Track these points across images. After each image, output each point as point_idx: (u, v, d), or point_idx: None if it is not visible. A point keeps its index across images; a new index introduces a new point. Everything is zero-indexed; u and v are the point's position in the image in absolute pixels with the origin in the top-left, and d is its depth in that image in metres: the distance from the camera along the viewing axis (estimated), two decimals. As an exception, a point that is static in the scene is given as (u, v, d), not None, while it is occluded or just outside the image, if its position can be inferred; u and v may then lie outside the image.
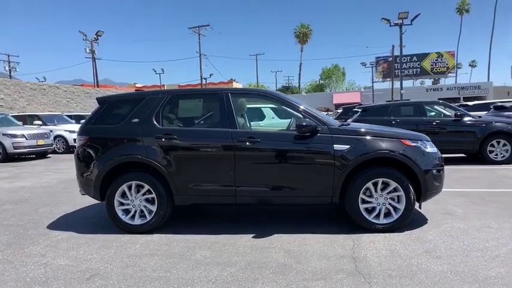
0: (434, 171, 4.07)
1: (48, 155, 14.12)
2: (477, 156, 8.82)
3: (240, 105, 4.35)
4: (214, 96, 4.41)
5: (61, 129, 15.12)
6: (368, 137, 4.07)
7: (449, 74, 58.12)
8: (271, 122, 6.51)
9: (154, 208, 4.23)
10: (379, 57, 60.06)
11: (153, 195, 4.21)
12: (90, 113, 4.76)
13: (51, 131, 14.41)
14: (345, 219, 4.42)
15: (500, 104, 13.43)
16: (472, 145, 8.58)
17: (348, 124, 4.31)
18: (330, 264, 3.27)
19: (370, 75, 56.64)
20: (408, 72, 57.04)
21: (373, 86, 53.64)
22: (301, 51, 64.31)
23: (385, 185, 4.03)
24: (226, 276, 3.09)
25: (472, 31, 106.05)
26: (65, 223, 4.81)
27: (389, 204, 4.05)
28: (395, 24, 25.29)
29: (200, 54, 41.58)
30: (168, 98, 4.40)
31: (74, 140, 14.44)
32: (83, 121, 5.04)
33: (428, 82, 62.85)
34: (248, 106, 4.77)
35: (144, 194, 4.26)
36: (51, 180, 8.31)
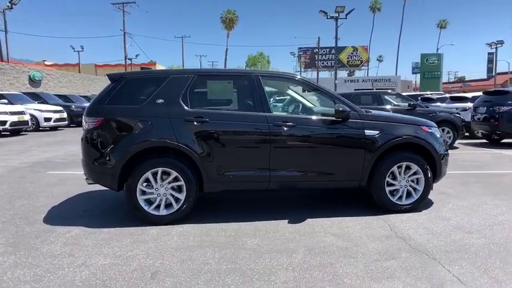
0: (445, 155, 4.48)
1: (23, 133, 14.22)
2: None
3: (271, 88, 4.22)
4: (244, 78, 4.20)
5: (31, 108, 15.01)
6: (394, 123, 4.29)
7: (363, 67, 63.22)
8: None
9: (182, 196, 3.91)
10: (301, 48, 62.79)
11: (181, 182, 3.89)
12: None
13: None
14: (360, 201, 4.64)
15: (427, 96, 15.12)
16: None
17: (370, 111, 4.48)
18: (385, 244, 3.41)
19: (294, 65, 58.98)
20: (327, 63, 60.73)
21: (300, 74, 55.86)
22: (228, 37, 63.87)
23: (407, 168, 4.31)
24: (300, 262, 3.04)
25: (382, 28, 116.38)
26: (62, 217, 4.19)
27: (410, 186, 4.35)
28: (332, 17, 26.61)
29: (124, 33, 38.64)
30: (195, 78, 4.06)
31: (45, 119, 15.14)
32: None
33: (342, 74, 67.51)
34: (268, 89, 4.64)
35: (170, 182, 3.91)
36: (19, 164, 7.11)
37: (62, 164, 7.66)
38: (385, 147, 4.17)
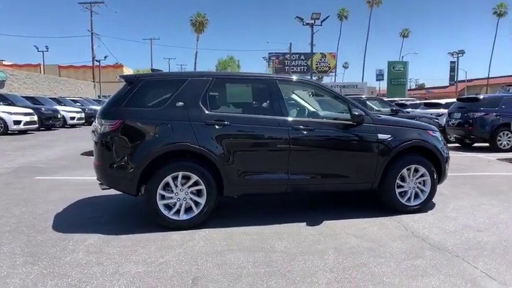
0: (448, 158, 4.72)
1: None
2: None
3: (288, 93, 4.27)
4: (262, 82, 4.23)
5: None
6: (403, 127, 4.48)
7: (331, 73, 64.82)
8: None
9: (202, 201, 3.87)
10: (272, 53, 63.52)
11: (201, 186, 3.84)
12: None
13: None
14: (366, 202, 4.78)
15: (401, 102, 15.79)
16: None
17: (380, 115, 4.65)
18: (406, 244, 3.54)
19: (264, 70, 59.49)
20: (297, 69, 61.81)
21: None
22: (197, 40, 63.40)
23: (415, 171, 4.50)
24: (334, 263, 3.09)
25: (349, 36, 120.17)
26: (72, 224, 4.00)
27: (418, 187, 4.54)
28: (307, 24, 27.15)
29: (92, 34, 37.35)
30: (214, 81, 4.03)
31: (14, 122, 14.32)
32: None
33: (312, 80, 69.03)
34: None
35: (190, 186, 3.85)
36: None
37: (47, 169, 7.30)
38: (396, 151, 4.33)
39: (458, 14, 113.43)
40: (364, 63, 74.71)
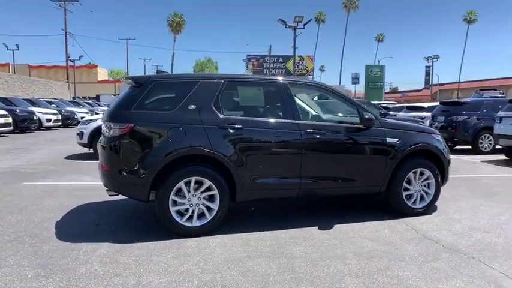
0: (449, 160, 4.83)
1: None
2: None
3: (299, 96, 4.25)
4: (274, 85, 4.18)
5: None
6: (409, 131, 4.54)
7: (308, 76, 65.56)
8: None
9: (215, 206, 3.78)
10: (250, 55, 63.66)
11: (214, 191, 3.75)
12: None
13: None
14: (367, 205, 4.83)
15: (384, 105, 16.13)
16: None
17: (387, 119, 4.69)
18: (421, 247, 3.58)
19: (243, 72, 59.43)
20: (275, 71, 62.14)
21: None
22: (174, 41, 62.65)
23: (421, 174, 4.58)
24: (357, 268, 3.09)
25: (326, 39, 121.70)
26: (77, 233, 3.81)
27: (423, 190, 4.62)
28: (290, 27, 27.33)
29: (66, 33, 36.12)
30: (226, 84, 3.95)
31: None
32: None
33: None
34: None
35: (203, 191, 3.75)
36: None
37: (34, 175, 6.96)
38: (403, 154, 4.39)
39: (431, 20, 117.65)
40: (341, 67, 75.66)
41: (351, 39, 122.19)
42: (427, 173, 4.57)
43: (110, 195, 3.91)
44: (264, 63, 63.31)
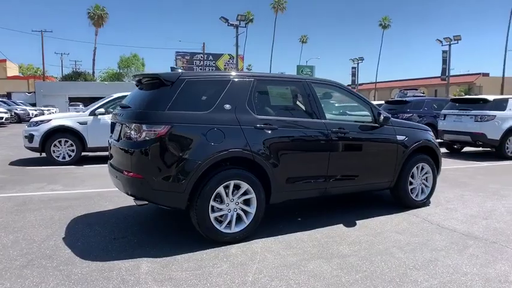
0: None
1: None
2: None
3: (321, 95, 4.27)
4: (299, 84, 4.13)
5: None
6: (412, 129, 4.86)
7: (239, 75, 65.89)
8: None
9: (252, 210, 3.64)
10: (179, 52, 62.14)
11: (251, 195, 3.61)
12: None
13: None
14: (367, 201, 5.08)
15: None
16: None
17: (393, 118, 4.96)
18: (445, 236, 3.86)
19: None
20: (206, 69, 61.51)
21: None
22: (96, 35, 58.36)
23: (421, 169, 4.93)
24: (410, 261, 3.22)
25: (254, 39, 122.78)
26: (97, 249, 3.38)
27: (423, 183, 4.98)
28: (232, 25, 27.10)
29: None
30: (255, 83, 3.81)
31: None
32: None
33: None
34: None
35: (240, 195, 3.58)
36: None
37: (-14, 185, 5.96)
38: (410, 151, 4.68)
39: (354, 25, 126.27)
40: (270, 66, 77.65)
41: (280, 39, 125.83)
42: (427, 167, 4.94)
43: (138, 205, 3.52)
44: (194, 61, 62.37)
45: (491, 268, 3.10)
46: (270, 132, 3.69)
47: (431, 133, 5.19)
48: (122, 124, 3.65)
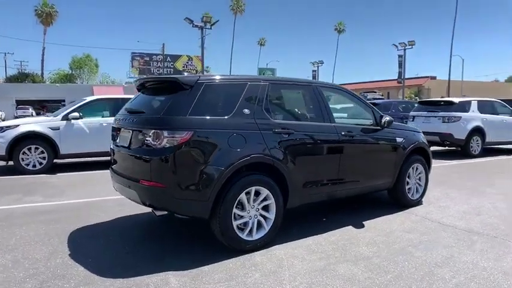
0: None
1: None
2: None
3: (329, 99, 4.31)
4: (309, 88, 4.14)
5: None
6: (408, 131, 5.06)
7: (198, 76, 65.08)
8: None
9: (271, 216, 3.59)
10: (135, 53, 60.21)
11: (270, 201, 3.56)
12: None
13: None
14: (362, 202, 5.23)
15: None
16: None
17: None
18: (449, 233, 4.05)
19: (127, 71, 55.86)
20: (163, 71, 60.17)
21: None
22: (45, 34, 55.03)
23: (416, 169, 5.14)
24: (429, 259, 3.33)
25: (215, 40, 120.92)
26: (113, 265, 3.16)
27: (417, 183, 5.19)
28: (196, 26, 26.57)
29: None
30: (270, 87, 3.76)
31: None
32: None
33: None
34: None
35: (260, 201, 3.52)
36: None
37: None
38: (408, 152, 4.87)
39: (306, 28, 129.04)
40: (230, 68, 77.46)
41: (239, 41, 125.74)
42: (420, 167, 5.16)
43: (158, 215, 3.32)
44: (151, 62, 60.73)
45: (504, 262, 3.29)
46: (287, 136, 3.66)
47: (422, 134, 5.43)
48: (132, 130, 3.44)
